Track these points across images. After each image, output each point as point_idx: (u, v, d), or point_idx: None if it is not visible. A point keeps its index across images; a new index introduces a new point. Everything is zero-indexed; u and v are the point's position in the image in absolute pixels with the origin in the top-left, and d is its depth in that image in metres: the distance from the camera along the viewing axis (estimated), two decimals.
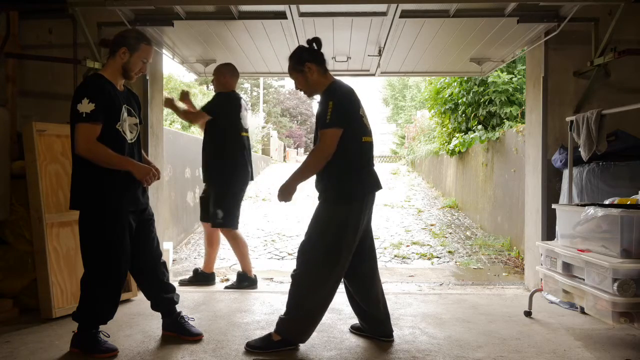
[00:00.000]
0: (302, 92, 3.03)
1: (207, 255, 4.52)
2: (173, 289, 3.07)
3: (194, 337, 3.01)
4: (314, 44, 2.92)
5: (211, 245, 4.48)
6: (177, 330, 3.03)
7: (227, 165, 4.22)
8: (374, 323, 3.06)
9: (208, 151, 4.31)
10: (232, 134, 4.24)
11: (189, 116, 4.35)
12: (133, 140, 2.85)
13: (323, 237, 2.80)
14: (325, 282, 2.81)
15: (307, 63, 2.85)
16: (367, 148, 2.88)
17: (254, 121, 22.49)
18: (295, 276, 2.88)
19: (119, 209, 2.76)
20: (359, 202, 2.82)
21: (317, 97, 2.94)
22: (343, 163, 2.77)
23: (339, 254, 2.79)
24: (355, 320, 3.42)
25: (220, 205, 4.21)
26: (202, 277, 4.47)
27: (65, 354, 2.79)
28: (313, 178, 2.89)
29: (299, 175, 2.81)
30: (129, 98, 2.90)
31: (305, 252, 2.85)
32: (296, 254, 2.92)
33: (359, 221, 2.82)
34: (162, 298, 3.03)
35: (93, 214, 2.75)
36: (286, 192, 2.82)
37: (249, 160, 4.35)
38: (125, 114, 2.78)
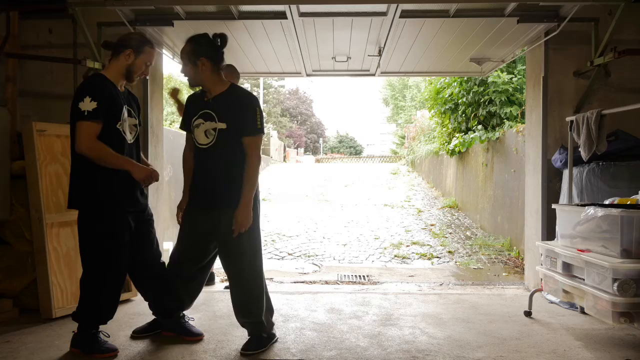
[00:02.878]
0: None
1: None
2: None
3: (195, 338, 3.01)
4: (219, 40, 2.84)
5: None
6: (178, 330, 3.03)
7: None
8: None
9: None
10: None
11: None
12: (132, 141, 2.86)
13: (258, 232, 2.93)
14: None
15: (202, 58, 2.76)
16: None
17: None
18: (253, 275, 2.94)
19: (117, 209, 2.76)
20: None
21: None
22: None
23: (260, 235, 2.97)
24: (355, 321, 3.42)
25: None
26: None
27: (65, 354, 2.79)
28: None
29: (251, 194, 2.78)
30: (129, 99, 2.90)
31: (258, 251, 2.92)
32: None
33: None
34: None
35: (91, 213, 2.76)
36: (248, 218, 2.76)
37: None
38: (126, 114, 2.79)
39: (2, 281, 3.52)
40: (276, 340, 3.00)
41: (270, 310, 3.00)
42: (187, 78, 2.84)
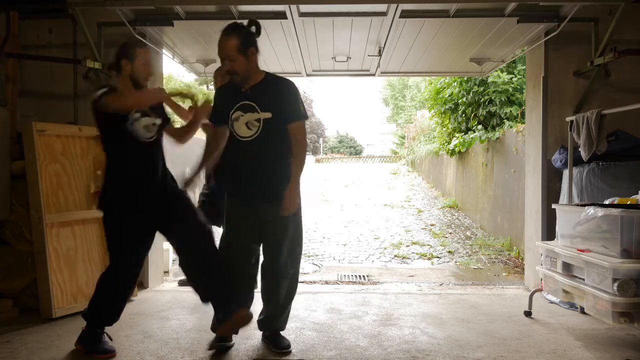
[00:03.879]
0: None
1: None
2: None
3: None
4: (254, 27, 2.77)
5: None
6: None
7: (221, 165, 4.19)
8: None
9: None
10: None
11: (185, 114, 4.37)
12: (151, 140, 2.84)
13: (301, 233, 2.93)
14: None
15: (252, 48, 2.71)
16: None
17: None
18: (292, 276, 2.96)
19: (123, 212, 2.78)
20: None
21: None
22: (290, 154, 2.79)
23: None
24: (355, 321, 3.42)
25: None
26: None
27: (66, 354, 2.79)
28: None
29: (299, 177, 2.76)
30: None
31: (296, 255, 2.93)
32: (282, 261, 2.88)
33: None
34: None
35: (105, 214, 2.82)
36: (296, 202, 2.74)
37: None
38: (138, 114, 2.75)
39: (2, 281, 3.52)
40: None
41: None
42: (233, 74, 2.69)
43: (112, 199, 2.77)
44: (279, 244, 2.83)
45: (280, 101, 2.69)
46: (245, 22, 2.77)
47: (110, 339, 2.89)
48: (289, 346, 2.88)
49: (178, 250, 2.88)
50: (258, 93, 2.71)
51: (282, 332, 3.01)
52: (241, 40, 2.65)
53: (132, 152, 2.77)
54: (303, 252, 6.20)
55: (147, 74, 2.83)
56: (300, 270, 5.36)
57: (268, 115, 2.67)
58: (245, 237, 2.83)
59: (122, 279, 2.86)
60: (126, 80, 2.78)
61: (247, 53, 2.67)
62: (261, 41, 4.45)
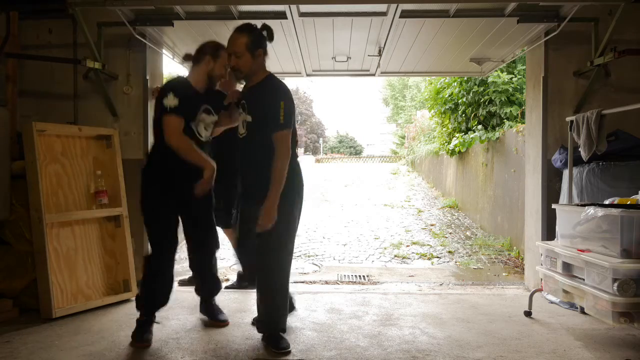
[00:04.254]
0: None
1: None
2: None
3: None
4: (265, 32, 2.84)
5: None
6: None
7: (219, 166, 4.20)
8: None
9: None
10: (219, 136, 4.17)
11: None
12: (205, 140, 3.03)
13: (291, 232, 2.90)
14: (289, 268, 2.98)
15: (259, 49, 2.79)
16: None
17: None
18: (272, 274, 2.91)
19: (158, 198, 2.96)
20: None
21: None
22: (290, 164, 2.77)
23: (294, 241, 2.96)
24: (355, 321, 3.42)
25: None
26: (245, 279, 4.39)
27: (66, 354, 2.79)
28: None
29: (277, 194, 2.69)
30: (209, 98, 3.03)
31: (276, 250, 2.85)
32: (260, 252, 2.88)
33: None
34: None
35: (147, 199, 2.99)
36: (273, 218, 2.69)
37: None
38: (204, 114, 2.97)
39: (2, 281, 3.52)
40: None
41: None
42: (236, 71, 2.80)
43: (150, 186, 2.96)
44: (261, 243, 2.82)
45: (262, 107, 2.75)
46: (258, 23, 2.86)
47: (158, 322, 3.11)
48: (287, 347, 2.87)
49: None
50: (251, 95, 2.82)
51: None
52: (251, 39, 2.75)
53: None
54: (304, 252, 6.20)
55: (222, 76, 3.04)
56: (301, 270, 5.39)
57: (249, 118, 2.80)
58: (242, 229, 3.01)
59: (157, 260, 3.02)
60: (202, 75, 2.97)
61: (254, 53, 2.76)
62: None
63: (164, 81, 4.45)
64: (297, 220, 2.91)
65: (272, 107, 2.69)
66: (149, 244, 3.09)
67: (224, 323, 3.31)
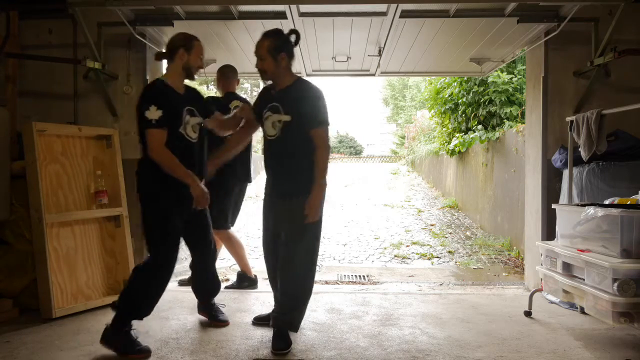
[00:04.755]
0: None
1: (236, 259, 4.45)
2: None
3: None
4: (294, 36, 2.96)
5: (231, 247, 4.39)
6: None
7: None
8: None
9: None
10: (215, 136, 4.17)
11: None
12: (197, 140, 2.97)
13: (319, 231, 2.99)
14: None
15: (282, 53, 2.90)
16: None
17: None
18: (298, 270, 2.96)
19: (169, 203, 2.89)
20: None
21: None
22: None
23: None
24: (355, 321, 3.42)
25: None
26: (245, 279, 4.41)
27: (66, 354, 2.79)
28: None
29: (323, 184, 2.88)
30: (190, 98, 2.99)
31: (307, 249, 2.95)
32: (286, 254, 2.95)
33: None
34: None
35: (149, 204, 2.90)
36: (320, 207, 2.88)
37: (241, 163, 4.23)
38: (188, 116, 2.91)
39: (2, 281, 3.52)
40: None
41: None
42: (261, 72, 2.97)
43: (158, 191, 2.86)
44: (288, 237, 2.94)
45: (300, 106, 2.87)
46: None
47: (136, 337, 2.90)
48: (283, 348, 2.85)
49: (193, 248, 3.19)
50: (284, 96, 2.93)
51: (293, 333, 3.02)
52: (274, 43, 2.89)
53: (187, 153, 2.89)
54: None
55: (199, 67, 2.99)
56: None
57: (287, 118, 2.88)
58: (268, 225, 3.13)
59: (166, 269, 2.90)
60: (178, 70, 2.92)
61: (277, 57, 2.89)
62: None
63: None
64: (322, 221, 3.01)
65: (313, 106, 2.87)
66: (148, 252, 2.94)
67: (224, 323, 3.30)
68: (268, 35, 2.93)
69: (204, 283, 3.31)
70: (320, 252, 6.11)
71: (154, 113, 2.74)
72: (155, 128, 2.75)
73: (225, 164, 4.12)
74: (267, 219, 3.13)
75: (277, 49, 2.88)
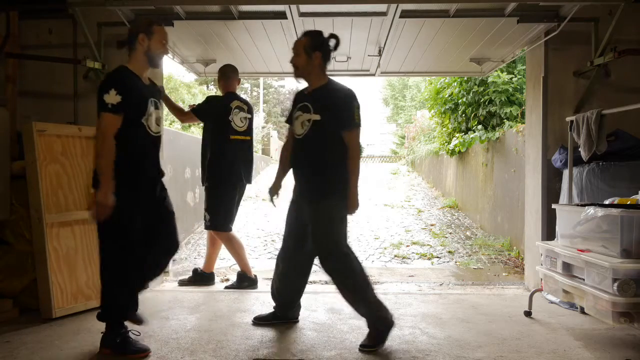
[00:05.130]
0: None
1: (208, 256, 4.52)
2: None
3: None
4: (333, 41, 3.03)
5: (213, 246, 4.47)
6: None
7: (212, 168, 4.20)
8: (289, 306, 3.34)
9: (201, 153, 4.34)
10: (218, 137, 4.20)
11: (178, 114, 4.48)
12: (157, 135, 2.88)
13: (340, 229, 3.01)
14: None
15: (317, 52, 2.98)
16: None
17: (254, 121, 22.47)
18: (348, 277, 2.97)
19: (135, 199, 2.78)
20: None
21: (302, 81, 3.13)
22: (346, 157, 2.98)
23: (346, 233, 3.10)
24: (355, 321, 3.41)
25: (207, 208, 4.21)
26: (202, 277, 4.47)
27: (66, 354, 2.79)
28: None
29: (357, 180, 2.97)
30: (153, 91, 2.92)
31: (338, 251, 2.99)
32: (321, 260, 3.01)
33: None
34: None
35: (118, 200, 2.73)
36: (356, 205, 2.99)
37: (243, 163, 4.27)
38: (152, 108, 2.82)
39: (2, 281, 3.52)
40: (394, 325, 3.00)
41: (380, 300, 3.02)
42: (294, 67, 3.07)
43: (125, 185, 2.72)
44: (312, 233, 3.04)
45: (331, 107, 2.94)
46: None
47: (138, 334, 2.89)
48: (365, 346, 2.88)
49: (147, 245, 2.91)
50: (315, 96, 3.00)
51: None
52: (311, 42, 2.99)
53: (145, 145, 2.80)
54: None
55: (163, 52, 2.91)
56: None
57: (317, 117, 2.94)
58: (291, 222, 3.19)
59: (136, 261, 2.82)
60: (140, 57, 2.81)
61: (311, 55, 2.97)
62: (261, 41, 4.52)
63: (164, 82, 4.43)
64: (346, 215, 3.07)
65: (345, 107, 2.93)
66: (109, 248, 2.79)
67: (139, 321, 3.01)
68: (308, 33, 3.06)
69: (154, 274, 3.11)
70: None
71: (112, 97, 2.63)
72: (109, 112, 2.64)
73: (229, 165, 4.18)
74: (290, 225, 3.19)
75: (312, 47, 2.97)
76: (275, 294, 3.30)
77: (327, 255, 2.97)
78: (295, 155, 3.12)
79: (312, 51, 2.97)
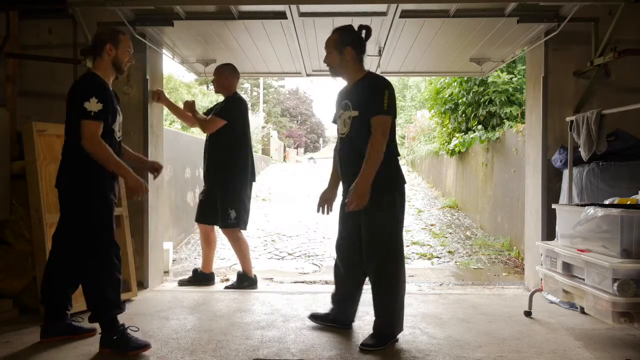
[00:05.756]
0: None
1: (204, 256, 4.52)
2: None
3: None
4: (364, 32, 2.97)
5: (208, 245, 4.48)
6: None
7: (239, 167, 4.23)
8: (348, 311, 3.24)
9: (219, 153, 4.26)
10: (244, 137, 4.27)
11: (188, 119, 4.46)
12: (120, 138, 2.99)
13: (393, 224, 2.88)
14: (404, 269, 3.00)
15: (348, 47, 2.90)
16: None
17: (254, 121, 22.49)
18: (392, 275, 2.91)
19: (105, 193, 2.85)
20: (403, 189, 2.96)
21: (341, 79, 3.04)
22: (391, 152, 2.86)
23: (402, 236, 2.95)
24: (355, 321, 3.41)
25: (234, 206, 4.20)
26: (202, 277, 4.47)
27: (66, 354, 2.79)
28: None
29: (373, 171, 2.75)
30: (115, 96, 2.98)
31: (394, 249, 2.90)
32: (375, 253, 2.91)
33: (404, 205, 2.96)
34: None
35: (94, 202, 2.83)
36: (363, 196, 2.75)
37: (252, 162, 4.38)
38: (118, 115, 2.92)
39: (2, 281, 3.52)
40: (397, 340, 2.99)
41: (402, 314, 3.00)
42: (328, 66, 2.99)
43: (100, 187, 2.82)
44: (365, 237, 2.92)
45: (364, 98, 2.84)
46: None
47: (137, 330, 2.90)
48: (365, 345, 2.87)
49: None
50: (353, 92, 2.92)
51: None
52: (340, 38, 2.92)
53: (112, 147, 2.84)
54: (304, 252, 6.19)
55: (129, 61, 2.98)
56: (300, 270, 5.39)
57: (355, 113, 2.87)
58: (345, 228, 3.10)
59: (117, 257, 2.87)
60: (107, 65, 2.89)
61: (343, 50, 2.89)
62: (261, 41, 4.52)
63: (164, 82, 4.43)
64: (400, 217, 2.93)
65: (377, 94, 2.78)
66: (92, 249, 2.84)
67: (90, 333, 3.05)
68: (337, 30, 2.96)
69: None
70: (320, 252, 6.18)
71: (94, 105, 2.69)
72: (93, 120, 2.70)
73: (251, 164, 4.26)
74: (343, 225, 3.11)
75: (343, 42, 2.89)
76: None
77: (379, 254, 2.91)
78: (340, 156, 3.03)
79: (343, 47, 2.89)
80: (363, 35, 2.95)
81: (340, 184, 3.13)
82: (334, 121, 3.12)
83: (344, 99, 2.97)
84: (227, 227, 4.24)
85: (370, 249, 2.91)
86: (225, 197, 4.22)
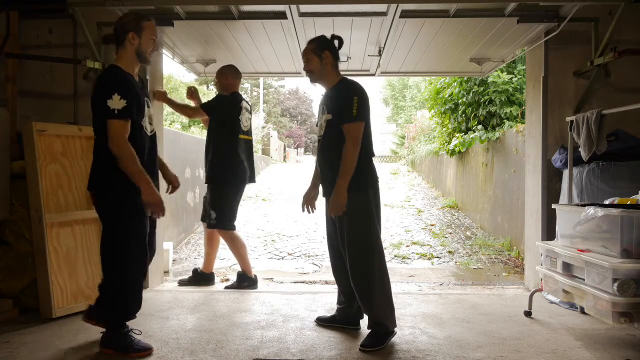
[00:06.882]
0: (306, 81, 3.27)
1: (206, 255, 4.52)
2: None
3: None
4: (336, 41, 3.11)
5: (211, 245, 4.48)
6: None
7: (221, 166, 4.21)
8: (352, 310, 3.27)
9: (206, 151, 4.33)
10: (228, 136, 4.23)
11: (186, 110, 4.47)
12: (151, 134, 2.82)
13: (365, 220, 2.96)
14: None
15: (326, 51, 3.04)
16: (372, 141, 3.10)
17: (254, 121, 22.46)
18: (366, 269, 2.96)
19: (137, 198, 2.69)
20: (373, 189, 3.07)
21: (320, 86, 3.18)
22: (362, 154, 2.93)
23: (379, 232, 3.04)
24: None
25: (214, 206, 4.22)
26: (202, 277, 4.47)
27: (66, 354, 2.79)
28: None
29: (347, 179, 2.88)
30: (144, 89, 2.86)
31: (365, 244, 2.95)
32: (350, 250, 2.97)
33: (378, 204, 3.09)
34: None
35: (124, 198, 2.68)
36: (342, 203, 2.89)
37: (248, 162, 4.33)
38: (146, 107, 2.76)
39: (2, 281, 3.52)
40: (394, 334, 3.02)
41: (389, 308, 3.01)
42: (309, 75, 3.12)
43: (131, 184, 2.64)
44: (340, 234, 3.02)
45: (337, 103, 2.98)
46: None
47: (139, 333, 2.88)
48: (364, 345, 2.90)
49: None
50: (329, 96, 3.07)
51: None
52: (317, 44, 3.06)
53: (143, 147, 2.73)
54: (304, 252, 6.19)
55: (153, 49, 2.79)
56: (300, 270, 5.38)
57: (329, 116, 3.00)
58: (329, 226, 3.22)
59: (142, 259, 2.80)
60: (131, 55, 2.71)
61: (322, 55, 3.03)
62: (261, 41, 4.52)
63: (164, 82, 4.43)
64: (375, 214, 3.01)
65: (346, 101, 2.91)
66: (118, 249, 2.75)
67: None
68: (312, 39, 3.12)
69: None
70: (320, 252, 6.17)
71: (117, 102, 2.53)
72: (117, 119, 2.54)
73: (238, 163, 4.22)
74: (327, 225, 3.23)
75: (321, 47, 3.03)
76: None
77: (354, 249, 2.97)
78: (317, 157, 3.18)
79: (322, 51, 3.03)
80: (336, 44, 3.09)
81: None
82: (316, 125, 3.26)
83: (322, 104, 3.13)
84: (209, 227, 4.31)
85: (344, 245, 3.00)
86: (210, 198, 4.29)
